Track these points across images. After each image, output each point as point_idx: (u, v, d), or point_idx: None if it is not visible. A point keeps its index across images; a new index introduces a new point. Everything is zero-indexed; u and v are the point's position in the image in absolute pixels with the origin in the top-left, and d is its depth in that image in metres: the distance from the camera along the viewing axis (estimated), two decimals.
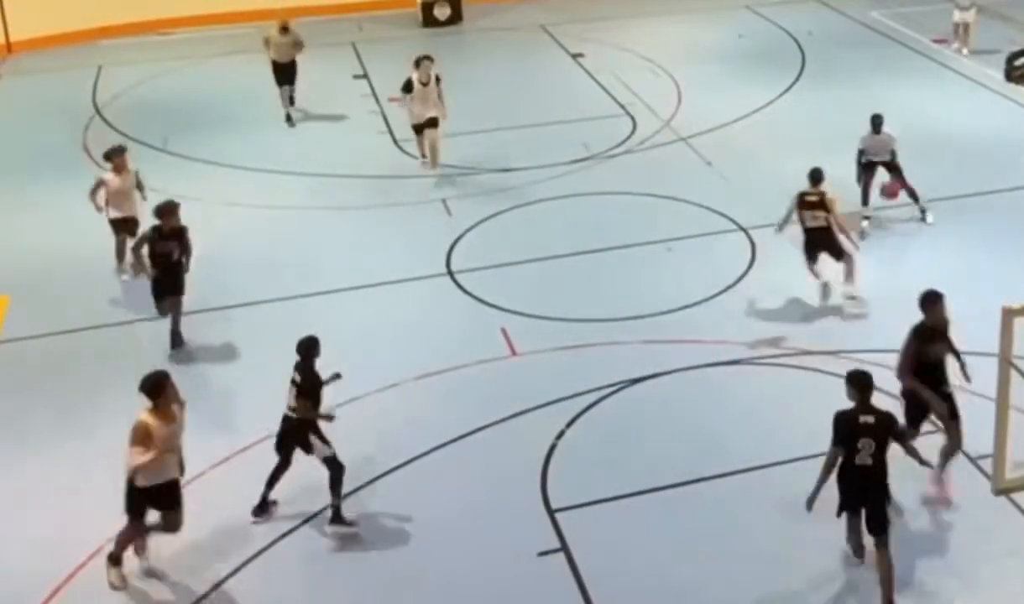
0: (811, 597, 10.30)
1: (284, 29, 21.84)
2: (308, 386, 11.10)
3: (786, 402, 13.02)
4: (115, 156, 15.88)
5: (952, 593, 10.32)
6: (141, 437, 10.30)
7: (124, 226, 15.86)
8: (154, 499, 10.44)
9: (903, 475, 10.67)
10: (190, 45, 27.10)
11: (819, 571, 10.52)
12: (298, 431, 11.15)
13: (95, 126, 22.18)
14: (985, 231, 16.52)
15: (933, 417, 11.21)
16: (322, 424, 11.16)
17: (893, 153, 16.78)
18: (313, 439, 11.10)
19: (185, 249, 14.29)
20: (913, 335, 11.13)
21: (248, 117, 22.08)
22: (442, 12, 28.23)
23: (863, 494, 9.99)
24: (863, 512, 10.08)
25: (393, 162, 20.09)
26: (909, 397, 11.19)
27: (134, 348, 14.55)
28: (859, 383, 9.94)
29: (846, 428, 9.83)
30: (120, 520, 10.66)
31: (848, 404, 9.95)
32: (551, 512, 11.40)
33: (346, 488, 11.73)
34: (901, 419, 10.73)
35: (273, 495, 11.42)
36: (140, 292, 15.74)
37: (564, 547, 10.94)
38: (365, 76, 24.58)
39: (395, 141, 20.90)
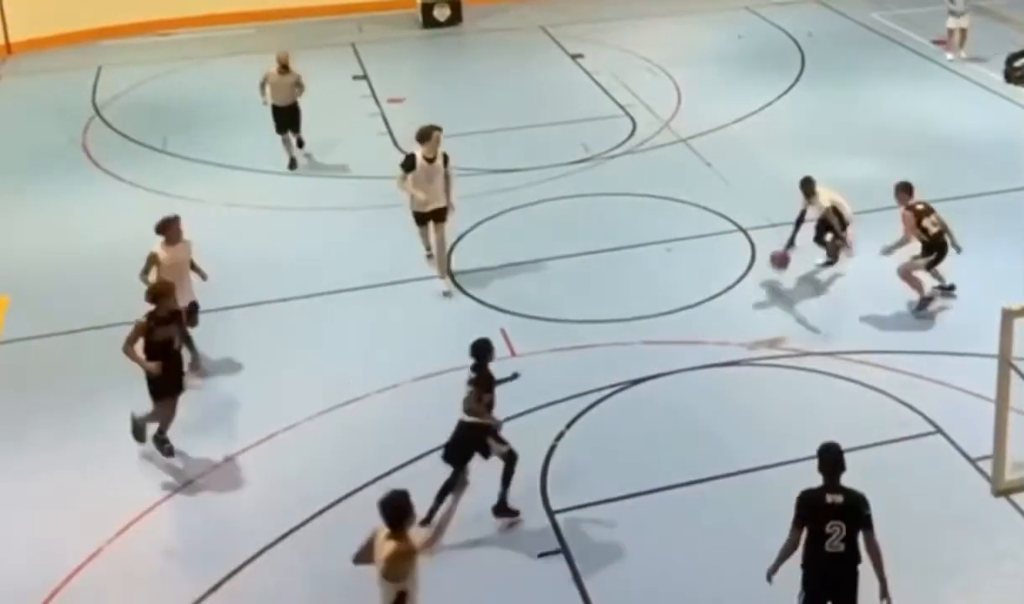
0: None
1: (284, 68, 19.35)
2: (485, 389, 11.01)
3: (786, 403, 13.03)
4: (168, 226, 13.34)
5: (952, 595, 10.33)
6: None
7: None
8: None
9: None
10: (190, 46, 27.09)
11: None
12: (477, 437, 11.04)
13: (95, 127, 22.18)
14: (985, 232, 16.50)
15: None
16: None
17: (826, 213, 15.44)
18: (491, 442, 11.06)
19: (185, 334, 12.52)
20: None
21: (248, 118, 22.02)
22: (442, 13, 28.22)
23: (833, 586, 8.96)
24: None
25: (393, 163, 19.98)
26: None
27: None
28: (827, 458, 8.96)
29: (810, 510, 8.87)
30: (119, 520, 10.68)
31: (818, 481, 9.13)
32: (551, 513, 11.41)
33: (346, 489, 11.77)
34: None
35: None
36: (140, 293, 15.75)
37: (564, 548, 10.94)
38: (365, 77, 24.58)
39: (395, 142, 20.88)
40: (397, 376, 13.60)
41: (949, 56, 23.85)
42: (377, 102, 23.02)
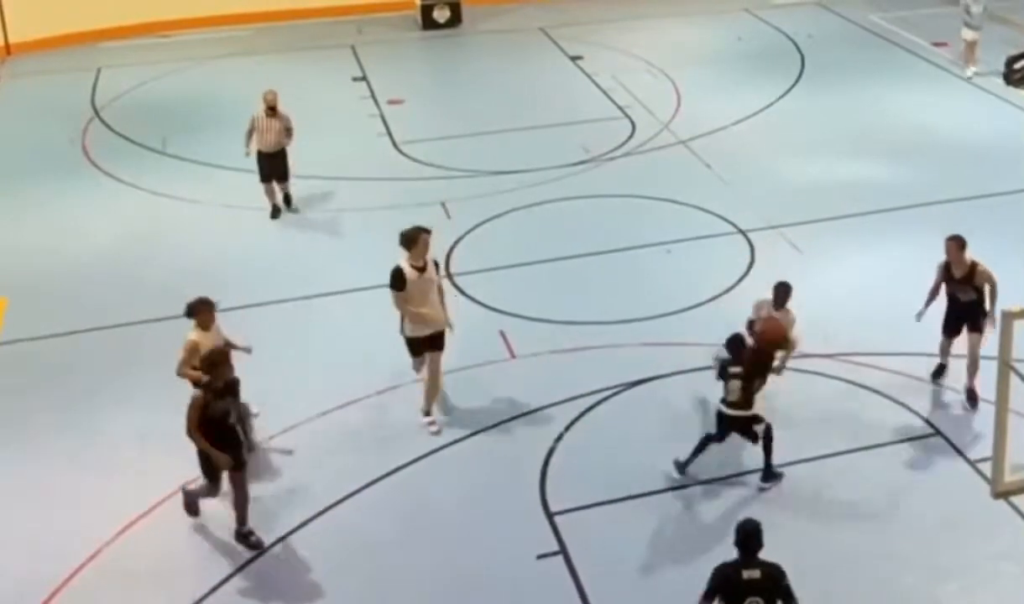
0: (814, 597, 10.29)
1: (272, 110, 17.47)
2: (755, 376, 11.37)
3: (785, 405, 13.02)
4: (201, 310, 12.04)
5: (951, 596, 10.33)
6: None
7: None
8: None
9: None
10: (189, 47, 27.10)
11: (822, 571, 10.52)
12: (745, 424, 11.47)
13: (94, 128, 22.19)
14: (984, 234, 16.47)
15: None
16: None
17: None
18: (756, 428, 11.44)
19: (239, 407, 11.56)
20: None
21: (246, 119, 22.05)
22: (441, 15, 28.24)
23: None
24: None
25: (392, 164, 20.10)
26: None
27: (134, 350, 14.56)
28: (744, 533, 8.58)
29: (725, 584, 8.55)
30: (119, 520, 10.68)
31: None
32: (550, 515, 11.41)
33: (346, 490, 11.77)
34: None
35: None
36: (140, 293, 15.79)
37: (563, 550, 10.94)
38: (364, 79, 24.58)
39: (394, 143, 20.91)
40: (397, 377, 13.60)
41: (969, 72, 23.01)
42: (376, 103, 23.02)
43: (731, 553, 8.90)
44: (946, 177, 18.56)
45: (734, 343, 11.57)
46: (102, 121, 22.53)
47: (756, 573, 8.50)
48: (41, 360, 14.50)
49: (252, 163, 17.82)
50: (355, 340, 14.56)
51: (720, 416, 11.59)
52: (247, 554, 11.00)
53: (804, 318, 14.61)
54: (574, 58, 25.44)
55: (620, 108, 22.21)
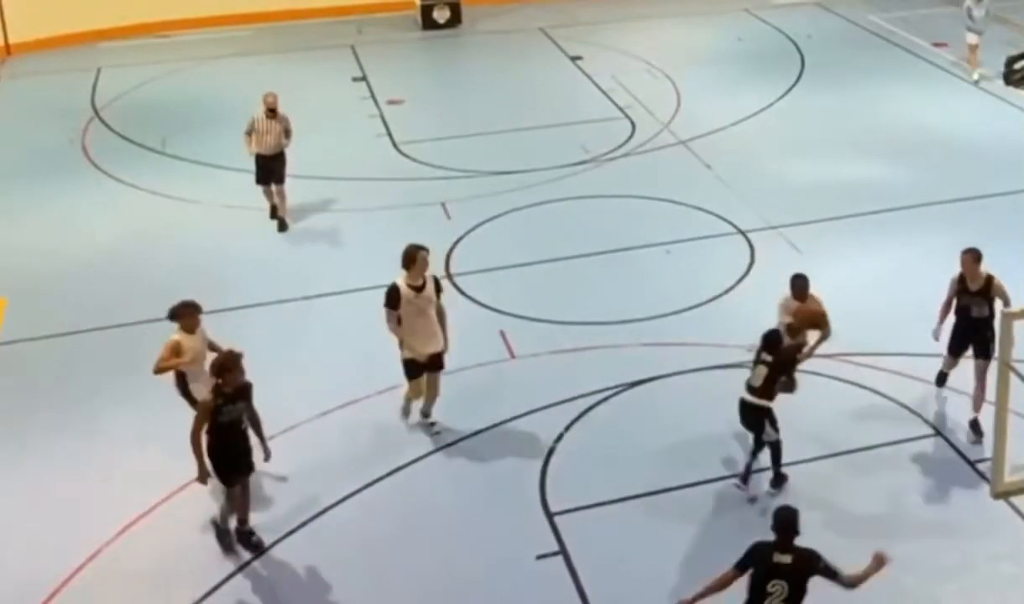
0: (812, 599, 10.28)
1: (271, 112, 17.18)
2: (783, 369, 11.32)
3: (784, 405, 12.99)
4: (184, 313, 11.83)
5: (951, 597, 10.33)
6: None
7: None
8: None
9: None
10: (189, 47, 27.10)
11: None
12: (756, 415, 11.35)
13: (94, 128, 22.19)
14: (984, 235, 16.47)
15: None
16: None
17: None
18: (768, 426, 11.32)
19: (253, 416, 11.05)
20: None
21: (246, 119, 22.03)
22: (441, 15, 28.24)
23: None
24: None
25: (392, 164, 20.09)
26: None
27: (134, 350, 14.54)
28: (779, 520, 8.80)
29: (757, 562, 8.76)
30: (119, 520, 10.68)
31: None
32: (550, 515, 11.41)
33: (346, 490, 11.77)
34: None
35: None
36: (140, 293, 15.79)
37: (563, 550, 10.94)
38: (364, 79, 24.58)
39: (394, 144, 20.91)
40: (397, 377, 13.56)
41: (975, 75, 22.72)
42: (376, 104, 23.02)
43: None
44: (946, 177, 18.57)
45: (771, 335, 11.48)
46: (102, 121, 22.53)
47: (787, 558, 8.69)
48: (41, 360, 14.50)
49: (250, 165, 17.58)
50: (355, 340, 14.56)
51: (740, 402, 11.49)
52: (247, 554, 11.00)
53: None
54: (574, 58, 25.44)
55: (620, 108, 22.21)
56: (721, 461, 12.01)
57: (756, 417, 11.39)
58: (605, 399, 13.21)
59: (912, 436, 12.37)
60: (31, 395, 13.74)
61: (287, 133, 17.42)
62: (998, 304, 11.98)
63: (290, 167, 17.60)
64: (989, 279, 12.11)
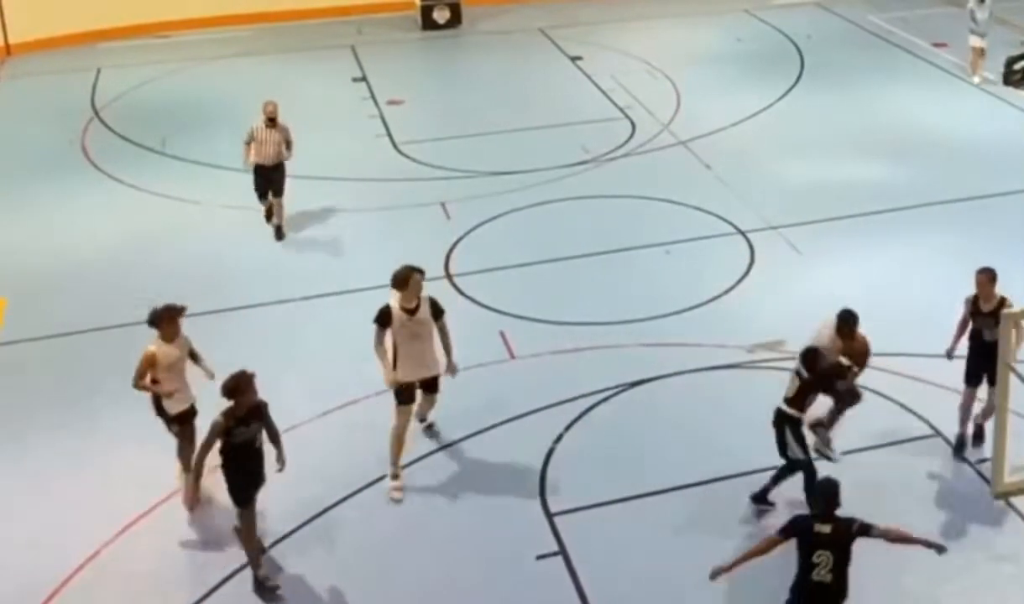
0: None
1: (271, 122, 16.76)
2: (816, 388, 11.09)
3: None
4: (163, 319, 11.30)
5: (951, 598, 10.33)
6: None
7: (184, 419, 11.50)
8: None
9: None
10: (189, 47, 27.11)
11: None
12: (779, 421, 11.09)
13: (94, 128, 22.19)
14: (984, 235, 16.52)
15: None
16: None
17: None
18: (791, 439, 11.03)
19: (271, 430, 10.64)
20: None
21: (246, 119, 21.98)
22: (441, 15, 28.25)
23: None
24: None
25: (392, 165, 20.09)
26: None
27: (132, 351, 14.51)
28: (822, 492, 9.05)
29: (799, 535, 8.97)
30: (119, 520, 10.66)
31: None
32: (549, 515, 11.41)
33: (345, 491, 11.77)
34: None
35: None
36: (139, 293, 15.77)
37: (563, 551, 10.94)
38: (364, 79, 24.58)
39: (394, 144, 20.91)
40: None
41: (976, 79, 22.61)
42: (376, 104, 23.02)
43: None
44: (946, 178, 18.56)
45: (809, 353, 11.06)
46: (102, 121, 22.53)
47: (827, 528, 8.87)
48: (41, 360, 14.50)
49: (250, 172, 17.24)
50: (355, 340, 14.50)
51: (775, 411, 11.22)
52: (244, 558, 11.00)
53: (803, 318, 14.63)
54: (574, 58, 25.44)
55: (620, 108, 22.21)
56: (721, 462, 12.01)
57: (779, 425, 11.10)
58: (605, 399, 13.20)
59: (912, 436, 12.37)
60: (31, 395, 13.74)
61: (288, 144, 17.01)
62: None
63: (290, 167, 17.39)
64: (1002, 301, 11.58)
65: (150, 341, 11.30)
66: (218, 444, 10.26)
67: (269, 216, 17.52)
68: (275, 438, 10.60)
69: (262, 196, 17.27)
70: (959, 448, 12.11)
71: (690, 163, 19.68)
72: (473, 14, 28.74)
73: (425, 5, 28.15)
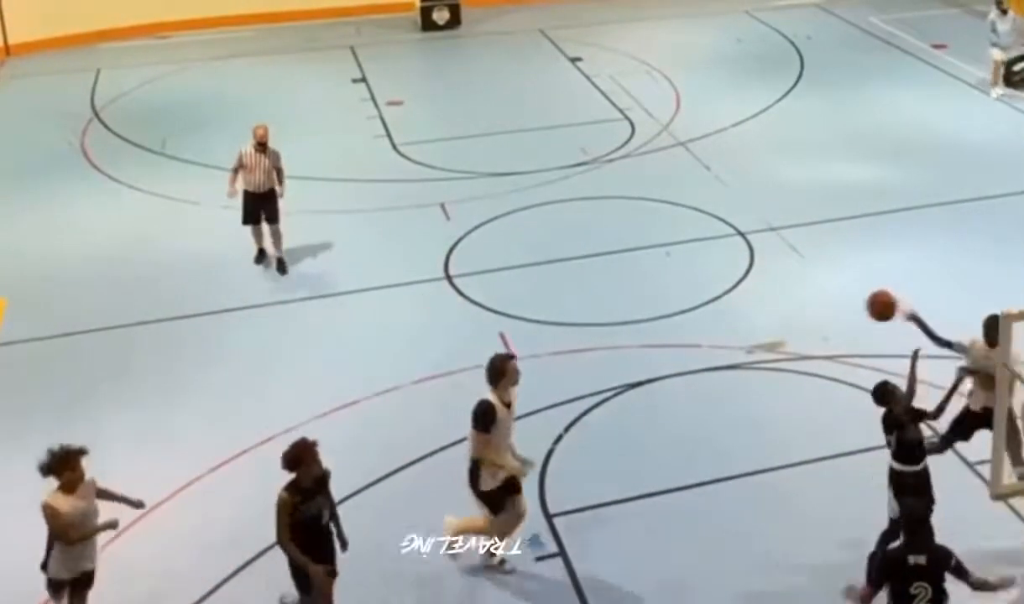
0: (812, 600, 10.30)
1: (261, 146, 15.75)
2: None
3: (784, 407, 13.04)
4: (63, 465, 9.33)
5: (950, 598, 10.31)
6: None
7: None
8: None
9: None
10: (189, 48, 27.11)
11: (819, 574, 10.53)
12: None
13: (93, 129, 22.20)
14: (984, 236, 16.54)
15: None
16: None
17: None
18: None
19: (331, 503, 9.67)
20: None
21: (246, 120, 21.94)
22: (441, 16, 28.25)
23: None
24: None
25: (391, 166, 20.10)
26: None
27: (132, 352, 14.56)
28: (910, 520, 8.52)
29: (894, 571, 8.49)
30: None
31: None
32: (549, 516, 11.41)
33: (345, 492, 11.75)
34: None
35: None
36: (139, 294, 15.79)
37: (562, 552, 10.94)
38: (364, 80, 24.58)
39: (393, 145, 20.91)
40: (396, 379, 13.61)
41: (994, 93, 22.01)
42: (376, 105, 23.03)
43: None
44: (946, 179, 18.56)
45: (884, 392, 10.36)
46: (101, 122, 22.53)
47: (922, 559, 8.41)
48: (40, 360, 14.50)
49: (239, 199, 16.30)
50: (354, 341, 14.57)
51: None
52: (246, 556, 10.99)
53: (803, 320, 14.68)
54: (573, 59, 25.45)
55: (619, 109, 22.22)
56: (721, 463, 12.01)
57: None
58: (605, 400, 13.21)
59: None
60: (30, 395, 13.74)
61: (279, 174, 16.01)
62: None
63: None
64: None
65: (46, 493, 9.42)
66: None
67: (261, 256, 16.38)
68: (335, 514, 9.69)
69: (253, 222, 16.11)
70: None
71: (690, 164, 19.68)
72: (473, 15, 28.74)
73: (425, 6, 28.15)
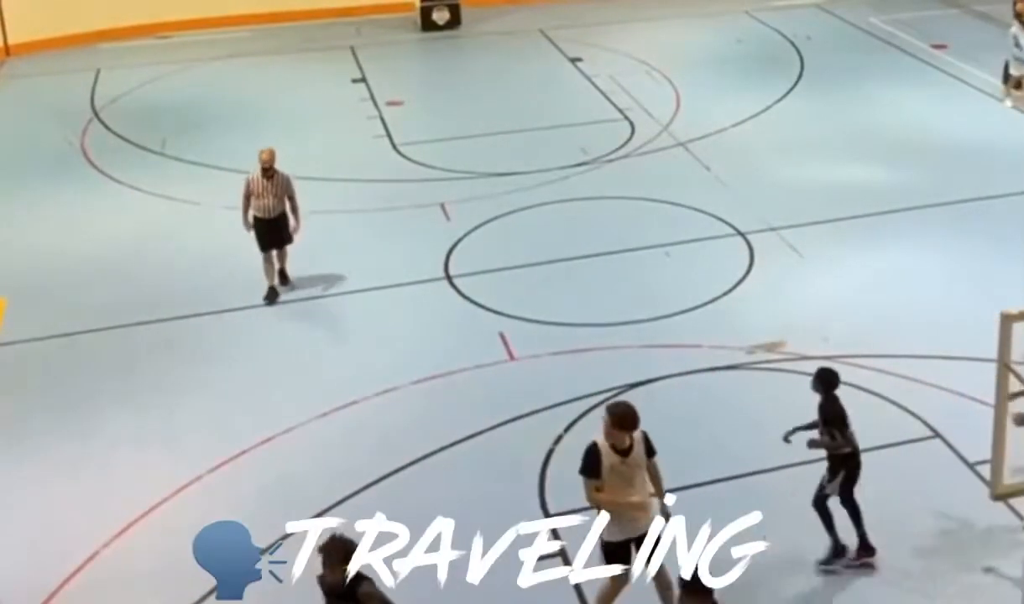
0: (812, 601, 10.30)
1: (268, 172, 14.97)
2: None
3: (785, 407, 12.99)
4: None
5: (950, 599, 10.33)
6: None
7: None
8: None
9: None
10: (189, 48, 27.10)
11: (820, 574, 10.53)
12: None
13: (93, 129, 22.19)
14: (984, 236, 16.53)
15: None
16: None
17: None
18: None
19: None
20: None
21: (246, 120, 22.07)
22: (441, 16, 28.24)
23: None
24: None
25: (391, 166, 20.09)
26: None
27: (132, 352, 14.56)
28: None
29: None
30: (118, 521, 10.64)
31: None
32: (549, 516, 11.40)
33: (345, 493, 11.76)
34: None
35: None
36: (139, 294, 15.79)
37: (561, 552, 10.93)
38: (363, 80, 24.58)
39: (393, 145, 20.91)
40: (395, 379, 13.60)
41: (1007, 104, 21.67)
42: (376, 105, 23.02)
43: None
44: (945, 179, 18.55)
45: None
46: (101, 122, 22.53)
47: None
48: (40, 360, 14.50)
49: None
50: (354, 341, 14.57)
51: None
52: None
53: (803, 320, 14.67)
54: (573, 60, 25.44)
55: (619, 110, 22.21)
56: (721, 463, 12.00)
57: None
58: (605, 401, 13.16)
59: (911, 438, 12.36)
60: (30, 395, 13.73)
61: (291, 199, 15.27)
62: None
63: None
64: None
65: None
66: None
67: (272, 296, 15.46)
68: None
69: (264, 247, 15.38)
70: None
71: (690, 164, 19.68)
72: (473, 15, 28.73)
73: (425, 6, 28.14)
